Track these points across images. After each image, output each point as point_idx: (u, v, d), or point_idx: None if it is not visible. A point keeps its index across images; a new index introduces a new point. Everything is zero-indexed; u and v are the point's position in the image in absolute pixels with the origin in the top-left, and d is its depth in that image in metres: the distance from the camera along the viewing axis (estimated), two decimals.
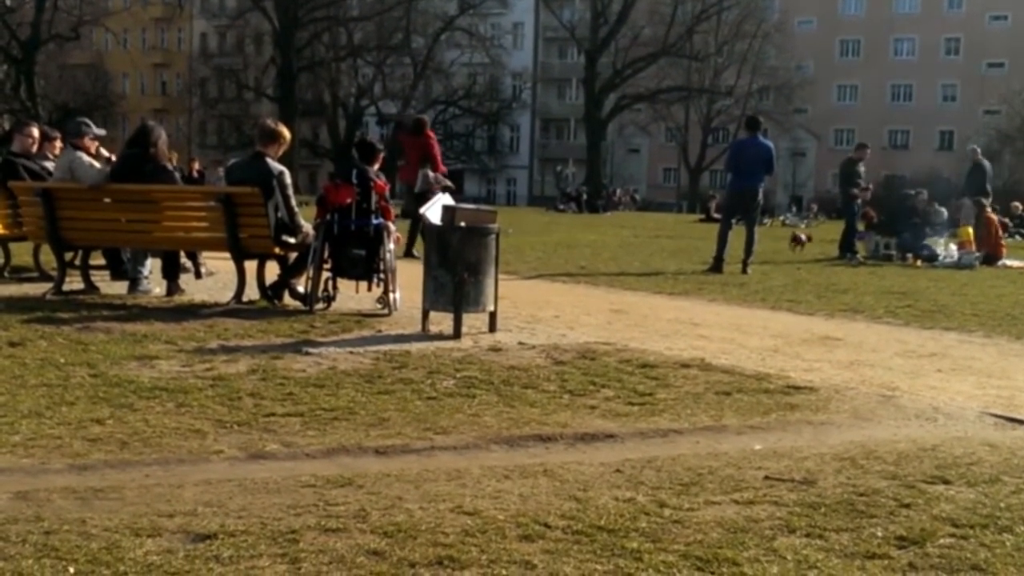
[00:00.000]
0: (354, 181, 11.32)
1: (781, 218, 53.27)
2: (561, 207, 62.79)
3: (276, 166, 11.53)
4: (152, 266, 12.71)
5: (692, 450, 6.22)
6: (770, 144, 19.89)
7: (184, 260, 13.07)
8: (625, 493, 5.23)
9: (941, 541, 4.62)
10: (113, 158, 13.81)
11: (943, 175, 49.20)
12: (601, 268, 18.56)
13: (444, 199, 11.20)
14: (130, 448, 5.84)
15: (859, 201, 24.20)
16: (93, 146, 12.90)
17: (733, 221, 19.50)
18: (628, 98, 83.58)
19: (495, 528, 4.63)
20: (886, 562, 4.38)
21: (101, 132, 13.30)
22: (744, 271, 18.36)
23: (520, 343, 9.64)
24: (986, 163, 27.73)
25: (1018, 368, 9.39)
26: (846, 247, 23.40)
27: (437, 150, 20.40)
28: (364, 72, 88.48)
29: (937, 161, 75.08)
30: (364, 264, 11.34)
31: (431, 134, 20.74)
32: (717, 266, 18.49)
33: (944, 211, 25.43)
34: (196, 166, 35.86)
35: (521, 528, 4.63)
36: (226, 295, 11.76)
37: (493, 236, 10.22)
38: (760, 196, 19.56)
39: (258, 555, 4.23)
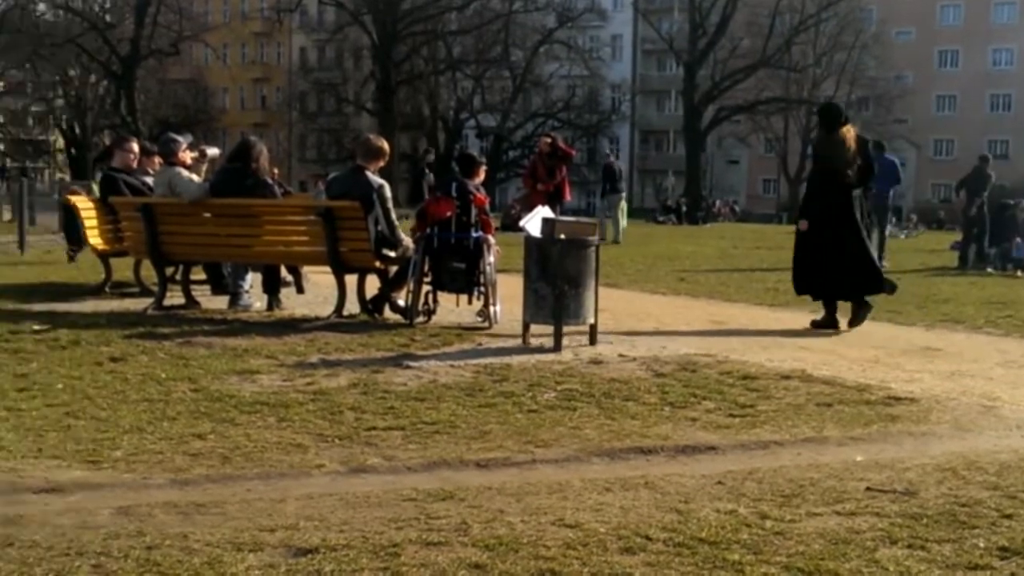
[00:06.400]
0: (454, 194, 11.34)
1: None
2: (661, 219, 62.58)
3: (376, 180, 11.58)
4: (252, 280, 12.81)
5: (793, 462, 6.17)
6: (894, 158, 24.75)
7: (285, 274, 13.14)
8: (726, 505, 5.20)
9: None
10: (208, 152, 14.00)
11: None
12: (701, 280, 18.42)
13: (544, 211, 11.17)
14: (232, 463, 5.88)
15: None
16: (188, 157, 13.04)
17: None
18: (727, 110, 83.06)
19: (596, 541, 4.60)
20: (988, 573, 4.35)
21: (188, 138, 13.46)
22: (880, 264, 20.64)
23: (620, 355, 9.60)
24: (618, 165, 31.40)
25: None
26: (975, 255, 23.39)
27: (530, 167, 20.96)
28: (463, 85, 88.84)
29: None
30: (464, 277, 11.36)
31: (537, 150, 21.34)
32: None
33: None
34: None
35: (622, 541, 4.61)
36: (326, 309, 11.84)
37: (593, 248, 10.19)
38: (888, 202, 23.69)
39: (360, 569, 4.23)
